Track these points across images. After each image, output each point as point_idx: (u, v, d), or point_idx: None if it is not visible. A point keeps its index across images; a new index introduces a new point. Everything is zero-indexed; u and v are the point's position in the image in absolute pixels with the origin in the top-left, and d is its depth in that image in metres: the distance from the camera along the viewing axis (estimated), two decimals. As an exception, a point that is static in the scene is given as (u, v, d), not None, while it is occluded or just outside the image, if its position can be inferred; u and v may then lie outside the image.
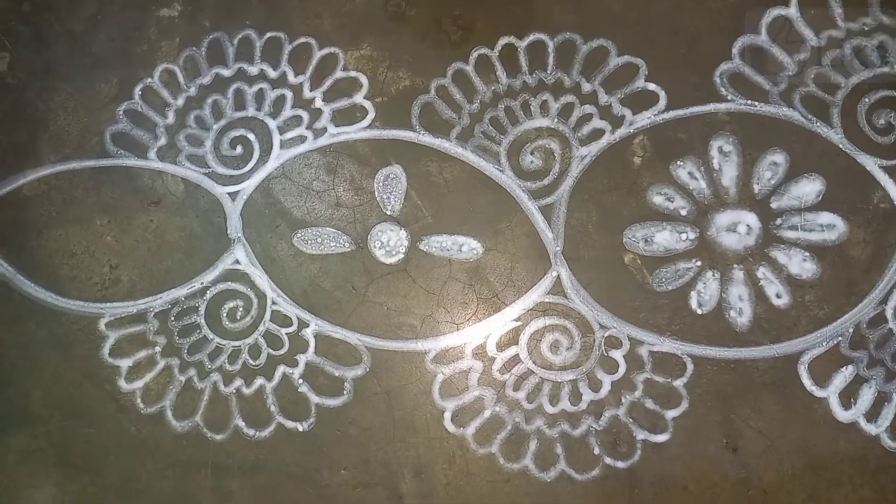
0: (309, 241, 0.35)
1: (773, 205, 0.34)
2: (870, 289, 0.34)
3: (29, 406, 0.35)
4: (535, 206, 0.34)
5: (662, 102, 0.34)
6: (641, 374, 0.33)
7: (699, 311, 0.33)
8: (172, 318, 0.34)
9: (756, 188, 0.34)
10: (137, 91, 0.35)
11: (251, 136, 0.35)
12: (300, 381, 0.34)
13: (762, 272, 0.34)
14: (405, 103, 0.35)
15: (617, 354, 0.33)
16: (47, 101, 0.36)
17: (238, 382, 0.34)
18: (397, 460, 0.34)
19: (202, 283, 0.34)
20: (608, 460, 0.33)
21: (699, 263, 0.34)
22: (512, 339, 0.34)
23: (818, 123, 0.34)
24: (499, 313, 0.35)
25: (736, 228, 0.34)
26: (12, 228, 0.36)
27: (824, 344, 0.33)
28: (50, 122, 0.36)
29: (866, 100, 0.34)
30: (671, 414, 0.33)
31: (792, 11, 0.35)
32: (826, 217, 0.34)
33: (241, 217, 0.35)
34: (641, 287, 0.33)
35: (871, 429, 0.33)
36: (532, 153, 0.34)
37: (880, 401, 0.33)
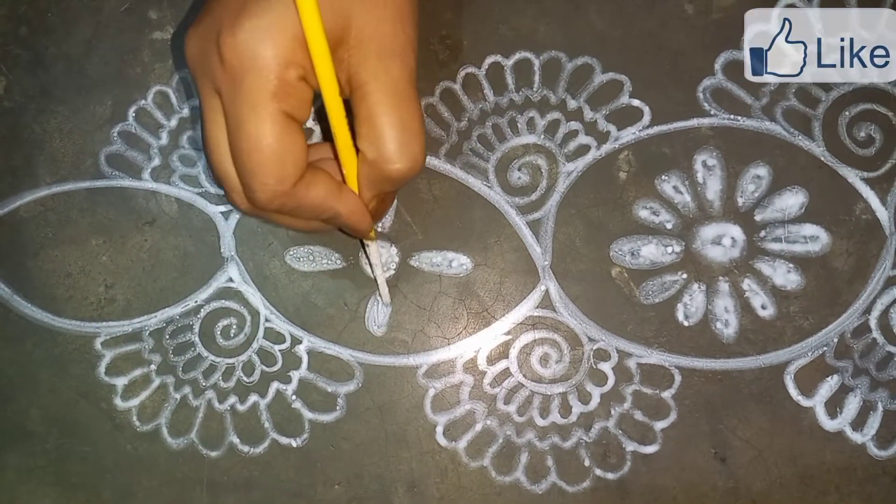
0: (301, 259, 0.35)
1: (757, 217, 0.34)
2: (853, 299, 0.34)
3: (27, 424, 0.35)
4: (523, 221, 0.35)
5: (647, 118, 0.34)
6: (630, 386, 0.34)
7: (686, 323, 0.34)
8: (167, 337, 0.34)
9: (740, 201, 0.34)
10: (131, 113, 0.35)
11: (244, 156, 0.35)
12: (294, 397, 0.34)
13: (747, 284, 0.34)
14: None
15: (606, 367, 0.34)
16: (43, 123, 0.37)
17: (232, 399, 0.34)
18: (390, 475, 0.34)
19: (196, 302, 0.35)
20: (598, 472, 0.33)
21: (685, 276, 0.34)
22: (502, 352, 0.34)
23: (800, 137, 0.35)
24: (489, 327, 0.35)
25: (721, 241, 0.34)
26: (9, 249, 0.36)
27: (810, 354, 0.34)
28: (46, 145, 0.37)
29: (847, 113, 0.34)
30: (660, 425, 0.33)
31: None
32: (809, 229, 0.34)
33: (234, 235, 0.36)
34: (629, 300, 0.33)
35: (857, 437, 0.33)
36: (519, 169, 0.35)
37: (866, 409, 0.33)
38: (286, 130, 0.23)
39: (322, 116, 0.34)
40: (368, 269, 0.35)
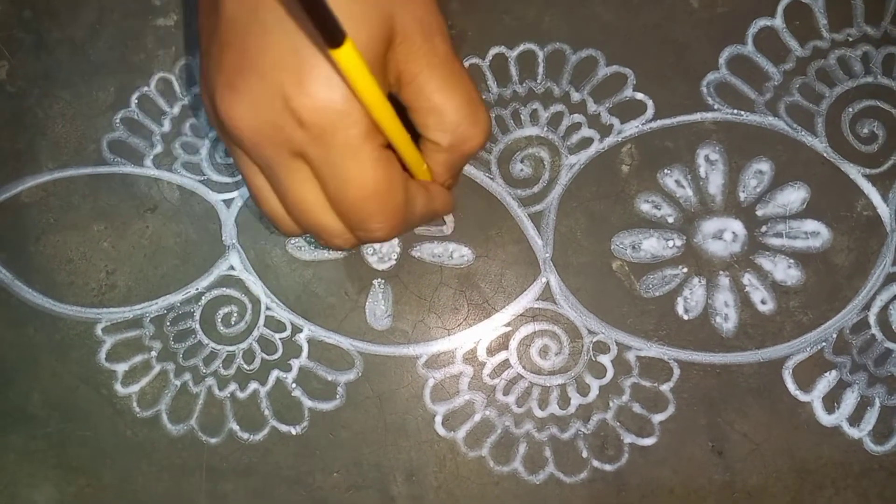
0: (302, 248, 0.35)
1: (759, 212, 0.34)
2: (853, 295, 0.34)
3: (28, 407, 0.35)
4: (524, 213, 0.35)
5: (650, 111, 0.34)
6: (629, 379, 0.34)
7: (685, 317, 0.34)
8: (168, 324, 0.34)
9: (742, 196, 0.34)
10: (134, 99, 0.35)
11: (246, 144, 0.35)
12: (294, 385, 0.34)
13: (748, 279, 0.34)
14: (397, 111, 0.35)
15: (605, 359, 0.34)
16: (46, 108, 0.37)
17: (232, 387, 0.34)
18: (389, 463, 0.35)
19: (197, 289, 0.35)
20: (596, 463, 0.33)
21: (686, 270, 0.34)
22: (502, 344, 0.34)
23: (803, 132, 0.35)
24: (489, 319, 0.35)
25: (722, 235, 0.34)
26: (11, 234, 0.37)
27: (808, 349, 0.34)
28: (48, 130, 0.37)
29: (850, 109, 0.34)
30: (658, 418, 0.33)
31: (777, 22, 0.36)
32: (810, 224, 0.34)
33: (235, 224, 0.36)
34: (629, 293, 0.34)
35: (853, 433, 0.33)
36: (522, 161, 0.35)
37: (863, 405, 0.34)
38: (387, 164, 0.23)
39: None
40: (370, 258, 0.35)
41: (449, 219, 0.35)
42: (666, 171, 0.35)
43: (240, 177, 0.36)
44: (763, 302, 0.34)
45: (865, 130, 0.34)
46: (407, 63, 0.23)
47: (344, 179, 0.22)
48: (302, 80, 0.21)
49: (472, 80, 0.25)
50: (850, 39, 0.35)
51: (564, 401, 0.34)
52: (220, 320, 0.35)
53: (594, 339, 0.34)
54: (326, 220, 0.24)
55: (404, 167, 0.25)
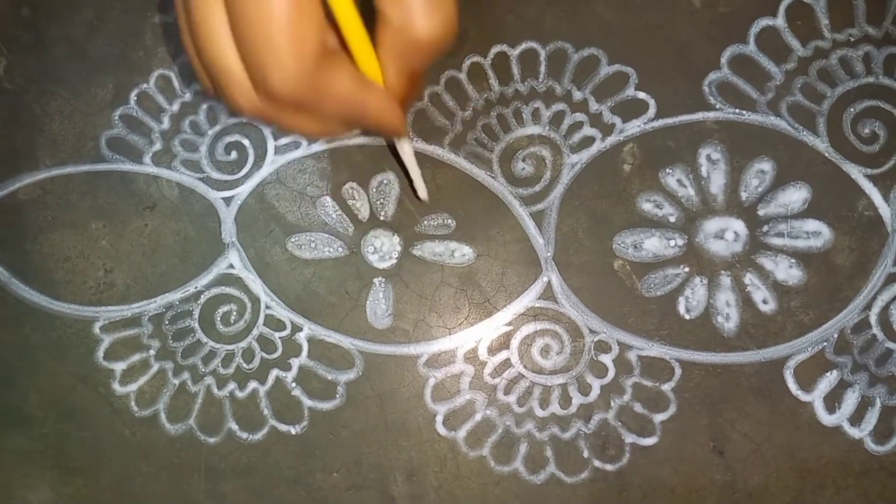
0: (303, 246, 0.35)
1: (760, 212, 0.34)
2: (854, 295, 0.34)
3: (25, 407, 0.35)
4: (526, 212, 0.35)
5: (652, 111, 0.34)
6: (630, 379, 0.34)
7: (687, 317, 0.34)
8: (167, 322, 0.34)
9: (743, 196, 0.34)
10: (133, 96, 0.35)
11: (246, 142, 0.35)
12: (293, 384, 0.34)
13: (749, 278, 0.34)
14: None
15: (606, 359, 0.34)
16: (44, 105, 0.36)
17: (231, 386, 0.34)
18: (389, 463, 0.35)
19: (196, 288, 0.35)
20: (597, 463, 0.33)
21: (687, 269, 0.34)
22: (503, 343, 0.34)
23: (804, 132, 0.35)
24: (490, 318, 0.35)
25: (723, 235, 0.34)
26: (8, 232, 0.36)
27: (810, 349, 0.34)
28: (46, 127, 0.36)
29: (851, 109, 0.34)
30: (659, 418, 0.33)
31: (779, 22, 0.36)
32: (812, 224, 0.35)
33: (235, 222, 0.36)
34: (630, 292, 0.34)
35: (854, 433, 0.33)
36: (524, 160, 0.35)
37: (864, 405, 0.34)
38: (303, 3, 0.20)
39: None
40: (371, 257, 0.35)
41: (421, 188, 0.33)
42: (668, 170, 0.35)
43: (240, 175, 0.36)
44: (764, 301, 0.34)
45: (867, 130, 0.34)
46: None
47: (247, 3, 0.20)
48: None
49: None
50: (852, 39, 0.35)
51: (566, 400, 0.34)
52: (219, 319, 0.35)
53: (595, 339, 0.34)
54: (228, 58, 0.21)
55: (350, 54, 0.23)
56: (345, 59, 0.22)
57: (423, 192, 0.34)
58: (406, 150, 0.32)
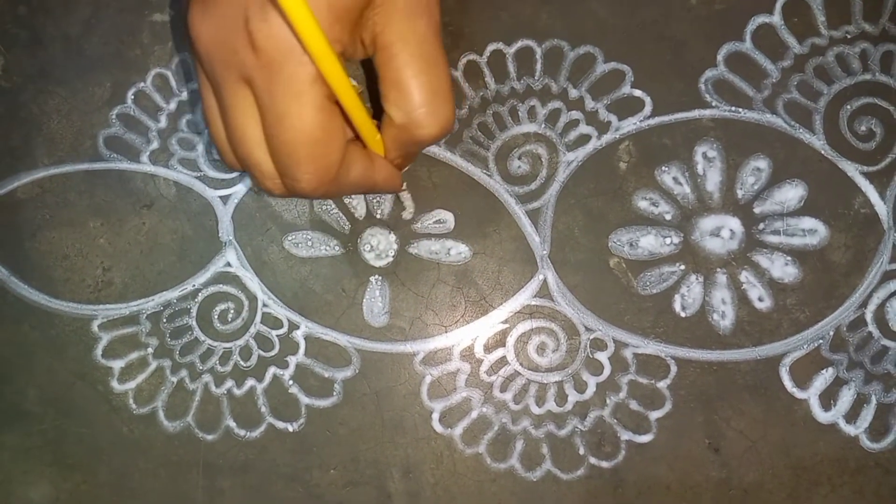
0: (299, 244, 0.35)
1: (756, 210, 0.34)
2: (850, 292, 0.34)
3: (24, 404, 0.35)
4: (522, 210, 0.35)
5: (648, 108, 0.34)
6: (626, 376, 0.34)
7: (683, 314, 0.34)
8: (164, 320, 0.34)
9: (739, 193, 0.34)
10: (130, 95, 0.35)
11: (243, 140, 0.35)
12: (290, 382, 0.34)
13: (745, 276, 0.34)
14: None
15: (602, 356, 0.34)
16: (41, 104, 0.36)
17: (229, 383, 0.34)
18: (386, 460, 0.35)
19: (194, 286, 0.35)
20: (593, 460, 0.33)
21: (683, 267, 0.34)
22: (499, 341, 0.34)
23: (801, 130, 0.35)
24: (486, 316, 0.35)
25: (719, 233, 0.34)
26: (6, 231, 0.36)
27: (805, 347, 0.34)
28: (44, 126, 0.36)
29: (848, 107, 0.34)
30: (655, 415, 0.33)
31: (776, 19, 0.36)
32: (808, 222, 0.35)
33: (232, 220, 0.36)
34: (626, 290, 0.34)
35: (850, 430, 0.33)
36: (520, 158, 0.35)
37: (860, 402, 0.34)
38: (330, 116, 0.23)
39: None
40: (367, 255, 0.35)
41: (409, 203, 0.35)
42: (664, 168, 0.35)
43: (237, 174, 0.36)
44: (760, 299, 0.34)
45: (863, 128, 0.34)
46: (384, 28, 0.23)
47: (281, 116, 0.22)
48: (265, 6, 0.21)
49: (450, 74, 0.25)
50: (849, 37, 0.35)
51: (562, 398, 0.34)
52: (216, 317, 0.35)
53: (591, 337, 0.34)
54: (259, 156, 0.24)
55: (358, 136, 0.26)
56: (356, 150, 0.25)
57: (409, 210, 0.35)
58: (406, 198, 0.35)
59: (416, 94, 0.23)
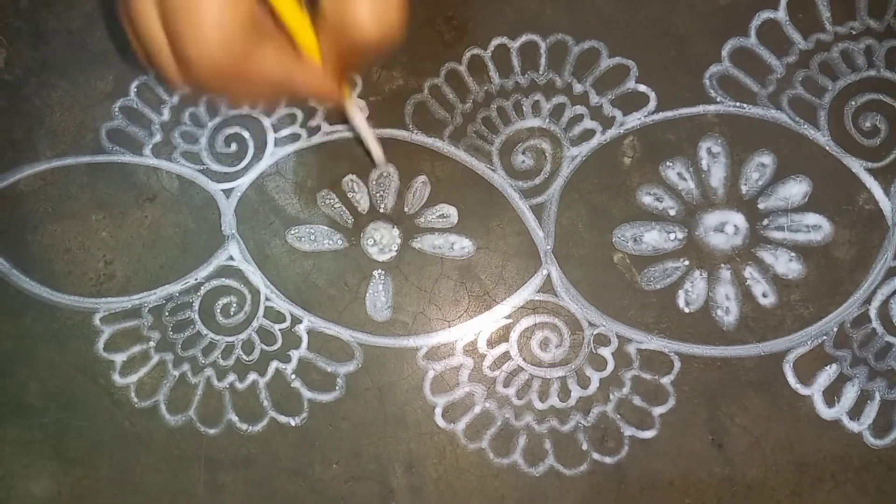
0: (302, 238, 0.35)
1: (761, 205, 0.34)
2: (854, 289, 0.34)
3: (25, 398, 0.35)
4: (526, 205, 0.35)
5: (652, 104, 0.34)
6: (629, 372, 0.34)
7: (686, 310, 0.34)
8: (167, 314, 0.34)
9: (744, 189, 0.34)
10: (133, 88, 0.35)
11: (246, 134, 0.35)
12: (293, 376, 0.34)
13: (749, 272, 0.34)
14: (399, 102, 0.35)
15: (605, 352, 0.34)
16: (44, 97, 0.36)
17: (231, 377, 0.34)
18: (388, 455, 0.35)
19: (196, 279, 0.35)
20: (596, 456, 0.33)
21: (687, 263, 0.34)
22: (502, 336, 0.34)
23: (805, 126, 0.35)
24: (490, 311, 0.35)
25: (723, 228, 0.34)
26: (8, 223, 0.36)
27: (809, 343, 0.34)
28: (46, 118, 0.36)
29: (853, 103, 0.34)
30: (658, 411, 0.33)
31: (781, 15, 0.36)
32: (812, 218, 0.34)
33: (235, 214, 0.36)
34: (630, 285, 0.33)
35: (853, 426, 0.33)
36: (524, 153, 0.35)
37: (863, 399, 0.34)
38: None
39: None
40: (371, 250, 0.35)
41: (377, 153, 0.33)
42: (668, 163, 0.35)
43: (240, 167, 0.36)
44: (764, 295, 0.34)
45: (868, 124, 0.34)
46: None
47: None
48: None
49: None
50: (854, 33, 0.34)
51: (565, 393, 0.34)
52: (219, 311, 0.35)
53: (595, 332, 0.34)
54: (157, 33, 0.20)
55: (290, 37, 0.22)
56: (272, 42, 0.21)
57: (378, 156, 0.33)
58: (355, 117, 0.31)
59: None
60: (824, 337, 0.34)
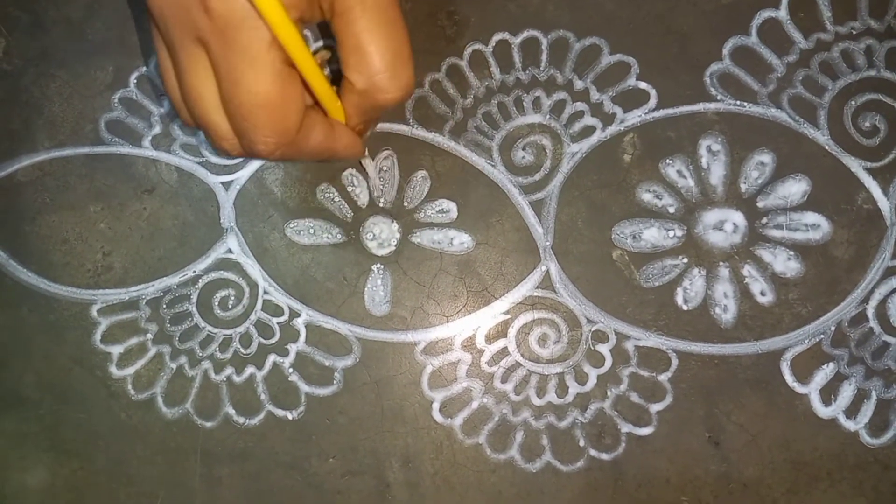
0: (301, 232, 0.35)
1: (760, 204, 0.34)
2: (852, 288, 0.34)
3: (21, 389, 0.35)
4: (525, 201, 0.35)
5: (653, 101, 0.34)
6: (627, 369, 0.34)
7: (685, 308, 0.34)
8: (164, 306, 0.34)
9: (743, 187, 0.34)
10: (133, 79, 0.35)
11: (246, 127, 0.35)
12: (290, 370, 0.34)
13: (747, 270, 0.34)
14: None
15: (603, 348, 0.34)
16: (43, 87, 0.36)
17: (229, 370, 0.34)
18: (385, 449, 0.35)
19: (194, 272, 0.35)
20: (593, 452, 0.33)
21: (686, 260, 0.34)
22: (501, 331, 0.34)
23: (805, 125, 0.35)
24: (488, 306, 0.35)
25: (722, 226, 0.34)
26: (6, 214, 0.36)
27: (806, 341, 0.34)
28: (45, 109, 0.36)
29: (852, 102, 0.34)
30: (655, 408, 0.33)
31: (782, 14, 0.36)
32: (811, 217, 0.35)
33: (234, 207, 0.36)
34: (629, 283, 0.34)
35: (850, 425, 0.33)
36: (524, 149, 0.35)
37: (860, 398, 0.34)
38: (287, 81, 0.22)
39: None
40: (370, 244, 0.35)
41: (372, 171, 0.34)
42: (668, 161, 0.35)
43: (239, 160, 0.35)
44: (762, 293, 0.34)
45: (867, 124, 0.34)
46: None
47: (237, 81, 0.22)
48: None
49: (408, 38, 0.24)
50: (854, 32, 0.35)
51: (562, 389, 0.34)
52: (216, 304, 0.35)
53: (593, 329, 0.34)
54: (215, 118, 0.24)
55: (318, 102, 0.25)
56: (316, 116, 0.25)
57: (373, 177, 0.35)
58: (368, 165, 0.34)
59: (377, 58, 0.23)
60: (822, 336, 0.34)
